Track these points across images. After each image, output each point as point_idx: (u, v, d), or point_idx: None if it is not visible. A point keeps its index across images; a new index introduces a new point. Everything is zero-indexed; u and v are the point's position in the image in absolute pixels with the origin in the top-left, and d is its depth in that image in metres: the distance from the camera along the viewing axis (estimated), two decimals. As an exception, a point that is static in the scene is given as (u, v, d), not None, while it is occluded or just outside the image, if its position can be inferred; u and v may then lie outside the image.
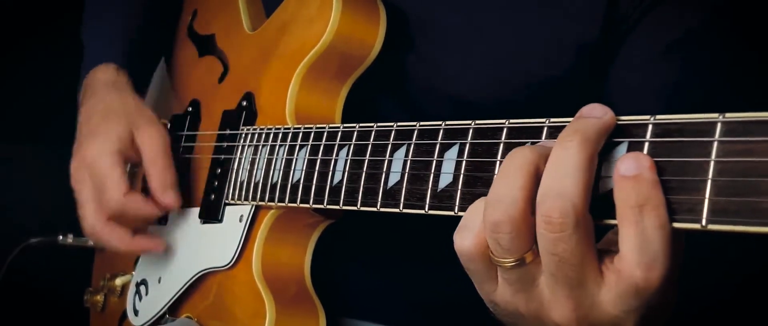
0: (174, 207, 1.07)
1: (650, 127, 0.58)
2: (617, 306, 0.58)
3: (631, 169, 0.55)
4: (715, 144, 0.54)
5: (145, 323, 1.12)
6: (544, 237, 0.58)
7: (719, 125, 0.54)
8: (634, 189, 0.55)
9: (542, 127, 0.65)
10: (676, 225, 0.55)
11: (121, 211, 1.03)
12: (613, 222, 0.58)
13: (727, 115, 0.54)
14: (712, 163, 0.54)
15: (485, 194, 0.62)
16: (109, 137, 1.05)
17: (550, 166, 0.58)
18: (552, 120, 0.65)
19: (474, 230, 0.62)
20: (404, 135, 0.78)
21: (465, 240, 0.63)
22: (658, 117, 0.58)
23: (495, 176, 0.61)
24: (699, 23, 0.93)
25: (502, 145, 0.68)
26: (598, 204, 0.59)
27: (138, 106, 1.11)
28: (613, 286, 0.58)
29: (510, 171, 0.60)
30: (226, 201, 1.03)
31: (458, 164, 0.72)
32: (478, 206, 0.63)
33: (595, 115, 0.59)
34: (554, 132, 0.64)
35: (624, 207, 0.56)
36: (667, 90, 0.94)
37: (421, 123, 0.77)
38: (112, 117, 1.08)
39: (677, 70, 0.94)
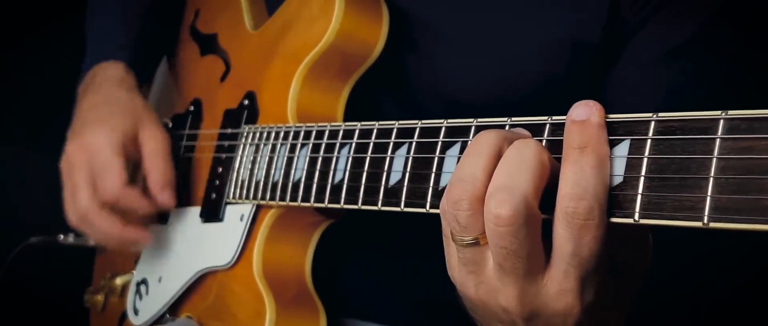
0: (169, 207, 1.08)
1: (653, 124, 0.58)
2: (561, 284, 0.60)
3: (582, 115, 0.59)
4: (718, 141, 0.53)
5: (145, 323, 1.11)
6: (492, 230, 0.59)
7: (722, 122, 0.54)
8: (579, 133, 0.58)
9: (545, 124, 0.65)
10: (677, 223, 0.55)
11: (116, 201, 1.04)
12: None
13: (730, 112, 0.54)
14: (714, 161, 0.53)
15: None
16: (115, 129, 1.07)
17: (506, 160, 0.60)
18: (554, 118, 0.65)
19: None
20: (406, 133, 0.78)
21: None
22: (660, 114, 0.58)
23: (462, 155, 0.63)
24: (701, 27, 0.94)
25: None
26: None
27: (145, 107, 1.13)
28: (555, 269, 0.60)
29: (474, 151, 0.62)
30: (227, 201, 1.03)
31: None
32: None
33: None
34: (556, 130, 0.64)
35: (567, 149, 0.59)
36: (666, 94, 0.95)
37: (423, 121, 0.77)
38: (119, 112, 1.09)
39: (678, 74, 0.95)
